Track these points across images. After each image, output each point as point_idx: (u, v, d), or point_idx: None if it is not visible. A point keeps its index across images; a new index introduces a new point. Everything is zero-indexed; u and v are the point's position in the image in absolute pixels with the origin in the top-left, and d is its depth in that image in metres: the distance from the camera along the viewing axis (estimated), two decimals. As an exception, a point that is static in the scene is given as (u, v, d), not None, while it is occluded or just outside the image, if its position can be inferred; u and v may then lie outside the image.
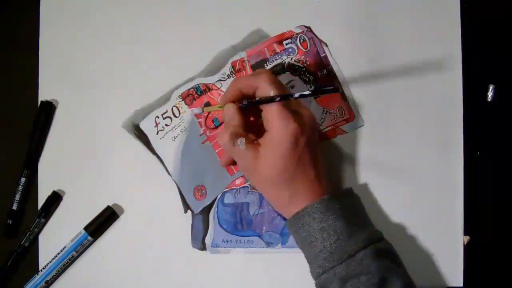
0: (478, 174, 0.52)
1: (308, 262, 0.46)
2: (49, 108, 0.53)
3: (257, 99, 0.45)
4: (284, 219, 0.52)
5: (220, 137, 0.46)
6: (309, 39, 0.53)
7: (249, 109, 0.46)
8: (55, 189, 0.53)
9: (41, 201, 0.53)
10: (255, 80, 0.45)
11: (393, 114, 0.52)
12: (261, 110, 0.46)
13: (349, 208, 0.46)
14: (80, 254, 0.52)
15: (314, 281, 0.45)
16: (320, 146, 0.47)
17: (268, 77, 0.44)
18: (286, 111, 0.44)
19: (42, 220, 0.52)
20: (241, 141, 0.45)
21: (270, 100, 0.44)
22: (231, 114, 0.46)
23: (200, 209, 0.52)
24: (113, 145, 0.53)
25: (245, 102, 0.46)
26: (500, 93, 0.52)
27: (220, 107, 0.47)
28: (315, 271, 0.44)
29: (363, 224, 0.48)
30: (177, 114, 0.53)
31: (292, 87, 0.52)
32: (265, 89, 0.44)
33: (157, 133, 0.53)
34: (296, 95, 0.43)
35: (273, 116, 0.44)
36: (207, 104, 0.52)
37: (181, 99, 0.53)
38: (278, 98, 0.43)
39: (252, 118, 0.49)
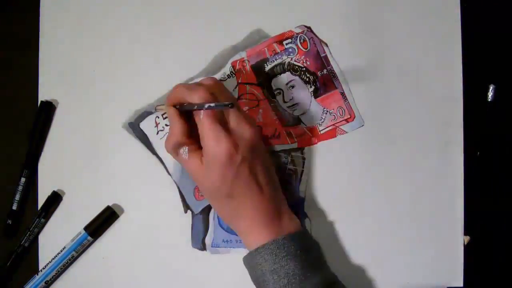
0: (478, 174, 0.52)
1: None
2: (49, 108, 0.53)
3: (185, 105, 0.45)
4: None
5: (165, 144, 0.46)
6: (309, 39, 0.53)
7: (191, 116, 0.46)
8: (55, 189, 0.53)
9: (41, 201, 0.53)
10: (192, 94, 0.44)
11: (393, 114, 0.52)
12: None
13: (303, 249, 0.45)
14: (80, 254, 0.52)
15: None
16: (266, 156, 0.47)
17: (203, 95, 0.43)
18: (218, 129, 0.43)
19: (42, 220, 0.52)
20: (183, 150, 0.45)
21: (193, 107, 0.43)
22: (171, 119, 0.46)
23: (200, 209, 0.52)
24: (113, 145, 0.53)
25: (177, 106, 0.45)
26: (500, 93, 0.52)
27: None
28: None
29: (317, 266, 0.46)
30: (177, 114, 0.53)
31: (292, 87, 0.52)
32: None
33: (157, 133, 0.53)
34: (206, 106, 0.42)
35: (205, 134, 0.43)
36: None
37: (181, 99, 0.53)
38: (195, 107, 0.43)
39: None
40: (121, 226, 0.53)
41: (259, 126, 0.52)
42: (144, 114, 0.53)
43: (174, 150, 0.46)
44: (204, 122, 0.43)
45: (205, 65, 0.53)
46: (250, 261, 0.46)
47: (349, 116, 0.52)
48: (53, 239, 0.52)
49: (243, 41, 0.53)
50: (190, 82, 0.53)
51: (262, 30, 0.53)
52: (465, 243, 0.51)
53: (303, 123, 0.52)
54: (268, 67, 0.53)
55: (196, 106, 0.43)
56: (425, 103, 0.52)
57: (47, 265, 0.51)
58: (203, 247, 0.52)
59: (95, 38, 0.54)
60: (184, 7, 0.53)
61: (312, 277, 0.44)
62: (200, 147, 0.45)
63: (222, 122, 0.44)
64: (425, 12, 0.52)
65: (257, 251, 0.45)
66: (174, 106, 0.46)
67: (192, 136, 0.46)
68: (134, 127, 0.53)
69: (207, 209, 0.52)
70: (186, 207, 0.53)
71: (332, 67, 0.53)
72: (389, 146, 0.52)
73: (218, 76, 0.53)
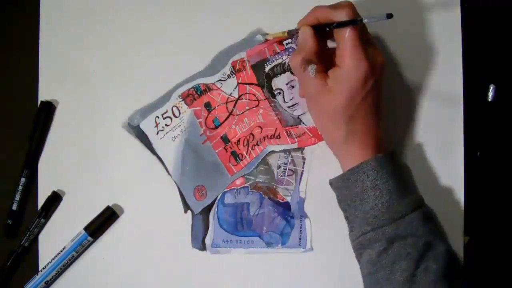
0: (478, 174, 0.52)
1: (350, 220, 0.46)
2: (49, 108, 0.53)
3: (327, 23, 0.45)
4: (285, 219, 0.52)
5: (292, 58, 0.46)
6: (309, 39, 0.52)
7: (324, 40, 0.46)
8: (55, 189, 0.53)
9: (41, 201, 0.53)
10: (335, 14, 0.44)
11: (393, 114, 0.52)
12: (335, 48, 0.45)
13: (400, 169, 0.47)
14: (80, 254, 0.52)
15: (352, 242, 0.46)
16: (383, 95, 0.47)
17: (350, 13, 0.44)
18: (360, 50, 0.43)
19: (42, 220, 0.52)
20: (311, 67, 0.45)
21: (339, 24, 0.43)
22: (305, 37, 0.46)
23: (200, 209, 0.52)
24: (113, 145, 0.53)
25: (314, 26, 0.45)
26: (500, 93, 0.52)
27: (283, 33, 0.48)
28: (361, 229, 0.45)
29: (412, 186, 0.49)
30: (177, 114, 0.53)
31: (293, 87, 0.52)
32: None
33: (157, 133, 0.53)
34: (365, 20, 0.42)
35: (347, 53, 0.43)
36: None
37: (181, 99, 0.53)
38: (346, 23, 0.43)
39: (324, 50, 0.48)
40: (121, 226, 0.53)
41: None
42: (144, 113, 0.53)
43: (302, 65, 0.45)
44: (348, 41, 0.43)
45: (205, 65, 0.53)
46: (351, 177, 0.46)
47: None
48: (53, 239, 0.52)
49: (243, 41, 0.53)
50: (190, 82, 0.53)
51: (262, 30, 0.53)
52: (465, 243, 0.51)
53: (303, 123, 0.52)
54: (268, 67, 0.53)
55: (346, 22, 0.43)
56: (425, 103, 0.52)
57: (47, 265, 0.51)
58: (203, 247, 0.52)
59: (95, 38, 0.54)
60: (184, 7, 0.53)
61: (410, 196, 0.46)
62: (325, 72, 0.45)
63: (362, 45, 0.44)
64: (425, 12, 0.52)
65: (360, 167, 0.45)
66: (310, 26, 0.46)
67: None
68: (134, 127, 0.53)
69: (207, 209, 0.52)
70: (186, 207, 0.52)
71: (332, 67, 0.52)
72: (389, 146, 0.52)
73: (218, 76, 0.53)
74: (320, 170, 0.52)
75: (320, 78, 0.45)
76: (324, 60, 0.46)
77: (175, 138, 0.53)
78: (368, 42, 0.45)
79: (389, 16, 0.41)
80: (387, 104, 0.52)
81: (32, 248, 0.53)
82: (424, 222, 0.45)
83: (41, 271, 0.51)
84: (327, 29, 0.45)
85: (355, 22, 0.43)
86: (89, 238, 0.51)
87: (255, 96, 0.53)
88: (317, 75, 0.45)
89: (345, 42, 0.44)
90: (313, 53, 0.45)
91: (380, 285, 0.44)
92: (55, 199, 0.52)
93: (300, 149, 0.52)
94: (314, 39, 0.45)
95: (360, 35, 0.44)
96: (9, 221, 0.52)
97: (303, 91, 0.48)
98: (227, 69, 0.53)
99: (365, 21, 0.42)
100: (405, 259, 0.43)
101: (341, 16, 0.44)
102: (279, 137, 0.52)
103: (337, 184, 0.47)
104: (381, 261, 0.44)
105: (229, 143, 0.53)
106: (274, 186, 0.52)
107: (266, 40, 0.52)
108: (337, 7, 0.45)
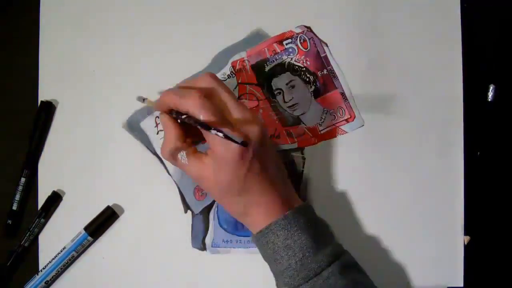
0: (478, 174, 0.52)
1: (274, 276, 0.45)
2: (49, 108, 0.53)
3: (184, 117, 0.42)
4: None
5: (162, 153, 0.45)
6: (309, 39, 0.53)
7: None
8: (55, 189, 0.53)
9: (41, 201, 0.53)
10: (184, 102, 0.42)
11: (393, 114, 0.52)
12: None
13: (312, 222, 0.45)
14: (80, 254, 0.52)
15: None
16: (274, 150, 0.46)
17: (197, 102, 0.41)
18: (222, 136, 0.40)
19: (42, 220, 0.52)
20: (181, 155, 0.44)
21: (195, 122, 0.41)
22: (165, 125, 0.44)
23: (200, 209, 0.52)
24: (113, 145, 0.53)
25: (173, 115, 0.43)
26: (500, 93, 0.52)
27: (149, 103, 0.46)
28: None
29: (326, 238, 0.46)
30: (177, 114, 0.53)
31: (293, 87, 0.52)
32: (195, 114, 0.41)
33: (157, 133, 0.53)
34: (213, 131, 0.39)
35: (213, 138, 0.41)
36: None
37: (181, 99, 0.53)
38: (198, 125, 0.41)
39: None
40: (121, 226, 0.53)
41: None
42: (143, 113, 0.53)
43: (172, 156, 0.44)
44: (208, 135, 0.42)
45: (205, 65, 0.53)
46: (261, 239, 0.44)
47: (349, 116, 0.52)
48: (53, 239, 0.52)
49: (243, 41, 0.53)
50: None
51: (262, 30, 0.53)
52: (465, 243, 0.51)
53: (303, 123, 0.52)
54: (268, 67, 0.53)
55: (195, 123, 0.41)
56: (425, 103, 0.52)
57: (47, 265, 0.51)
58: (203, 247, 0.52)
59: (95, 38, 0.54)
60: (184, 7, 0.53)
61: (325, 249, 0.44)
62: (196, 149, 0.45)
63: (226, 120, 0.42)
64: (425, 12, 0.52)
65: (268, 228, 0.44)
66: (168, 112, 0.44)
67: (188, 136, 0.45)
68: (134, 127, 0.53)
69: (207, 209, 0.52)
70: (186, 207, 0.52)
71: (332, 67, 0.52)
72: (389, 146, 0.52)
73: (218, 76, 0.53)
74: (320, 170, 0.52)
75: (195, 160, 0.43)
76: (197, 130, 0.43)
77: (175, 138, 0.53)
78: (240, 114, 0.42)
79: (244, 143, 0.39)
80: (387, 104, 0.52)
81: (32, 248, 0.53)
82: (343, 274, 0.43)
83: (41, 271, 0.51)
84: (178, 121, 0.43)
85: (204, 127, 0.40)
86: (89, 238, 0.51)
87: (255, 96, 0.53)
88: (191, 158, 0.44)
89: (205, 134, 0.42)
90: (178, 139, 0.44)
91: None
92: (55, 199, 0.52)
93: (300, 149, 0.52)
94: (173, 125, 0.43)
95: (221, 122, 0.41)
96: (9, 221, 0.52)
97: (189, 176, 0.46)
98: (227, 69, 0.53)
99: (212, 132, 0.39)
100: None
101: (188, 105, 0.41)
102: (279, 137, 0.52)
103: (255, 243, 0.46)
104: None
105: (229, 143, 0.52)
106: (274, 186, 0.52)
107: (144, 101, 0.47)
108: (184, 95, 0.42)
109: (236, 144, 0.40)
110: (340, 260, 0.44)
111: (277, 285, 0.45)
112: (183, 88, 0.44)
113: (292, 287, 0.43)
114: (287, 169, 0.47)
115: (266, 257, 0.46)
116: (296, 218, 0.44)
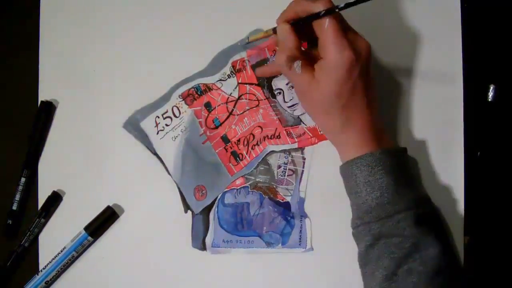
0: (478, 174, 0.52)
1: (352, 209, 0.47)
2: (49, 108, 0.53)
3: (304, 16, 0.44)
4: (285, 219, 0.52)
5: (277, 58, 0.46)
6: (309, 39, 0.52)
7: (305, 35, 0.46)
8: (55, 189, 0.53)
9: (41, 201, 0.53)
10: (313, 6, 0.44)
11: (393, 114, 0.52)
12: (317, 38, 0.45)
13: (402, 166, 0.46)
14: (80, 254, 0.52)
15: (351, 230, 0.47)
16: (374, 79, 0.47)
17: (327, 3, 0.43)
18: (342, 38, 0.43)
19: (42, 220, 0.52)
20: (297, 64, 0.45)
21: (315, 16, 0.43)
22: (285, 35, 0.45)
23: (200, 209, 0.52)
24: (113, 145, 0.53)
25: (292, 22, 0.45)
26: (500, 93, 0.52)
27: (266, 32, 0.48)
28: (354, 221, 0.46)
29: (411, 185, 0.47)
30: (177, 114, 0.53)
31: (293, 87, 0.52)
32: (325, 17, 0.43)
33: (157, 133, 0.53)
34: (341, 5, 0.42)
35: (328, 44, 0.43)
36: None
37: (181, 99, 0.53)
38: (323, 13, 0.43)
39: (306, 47, 0.49)
40: (121, 226, 0.53)
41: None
42: (144, 113, 0.53)
43: (287, 63, 0.45)
44: (329, 31, 0.43)
45: (205, 65, 0.53)
46: (345, 170, 0.47)
47: (349, 116, 0.52)
48: (53, 239, 0.52)
49: (243, 41, 0.53)
50: (190, 82, 0.53)
51: (262, 30, 0.53)
52: (465, 243, 0.51)
53: (303, 123, 0.52)
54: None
55: (323, 12, 0.43)
56: (425, 103, 0.52)
57: (47, 265, 0.51)
58: (203, 247, 0.52)
59: (95, 38, 0.54)
60: (184, 7, 0.53)
61: (404, 196, 0.45)
62: (311, 64, 0.45)
63: (343, 34, 0.44)
64: (425, 12, 0.52)
65: (354, 161, 0.45)
66: (288, 22, 0.45)
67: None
68: (134, 127, 0.53)
69: (207, 209, 0.52)
70: (186, 207, 0.52)
71: (332, 67, 0.52)
72: (389, 146, 0.52)
73: (218, 76, 0.53)
74: (320, 170, 0.52)
75: (307, 72, 0.45)
76: (309, 53, 0.46)
77: (175, 138, 0.53)
78: (348, 30, 0.45)
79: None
80: (387, 104, 0.52)
81: (32, 248, 0.53)
82: (414, 223, 0.44)
83: (41, 271, 0.51)
84: (302, 22, 0.45)
85: (332, 10, 0.43)
86: (89, 238, 0.51)
87: (255, 96, 0.53)
88: (304, 70, 0.45)
89: (325, 33, 0.44)
90: (295, 48, 0.45)
91: (366, 279, 0.46)
92: (55, 199, 0.52)
93: (300, 149, 0.52)
94: (294, 35, 0.45)
95: (340, 24, 0.44)
96: (9, 221, 0.52)
97: (294, 88, 0.49)
98: (227, 69, 0.53)
99: (341, 5, 0.42)
100: (388, 257, 0.44)
101: (319, 7, 0.43)
102: (279, 137, 0.52)
103: (340, 173, 0.48)
104: (368, 256, 0.45)
105: (229, 143, 0.53)
106: (274, 186, 0.52)
107: (248, 43, 0.51)
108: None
109: (349, 51, 0.43)
110: (417, 210, 0.44)
111: (352, 219, 0.47)
112: None
113: (363, 221, 0.45)
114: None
115: (348, 188, 0.47)
116: (383, 159, 0.45)
